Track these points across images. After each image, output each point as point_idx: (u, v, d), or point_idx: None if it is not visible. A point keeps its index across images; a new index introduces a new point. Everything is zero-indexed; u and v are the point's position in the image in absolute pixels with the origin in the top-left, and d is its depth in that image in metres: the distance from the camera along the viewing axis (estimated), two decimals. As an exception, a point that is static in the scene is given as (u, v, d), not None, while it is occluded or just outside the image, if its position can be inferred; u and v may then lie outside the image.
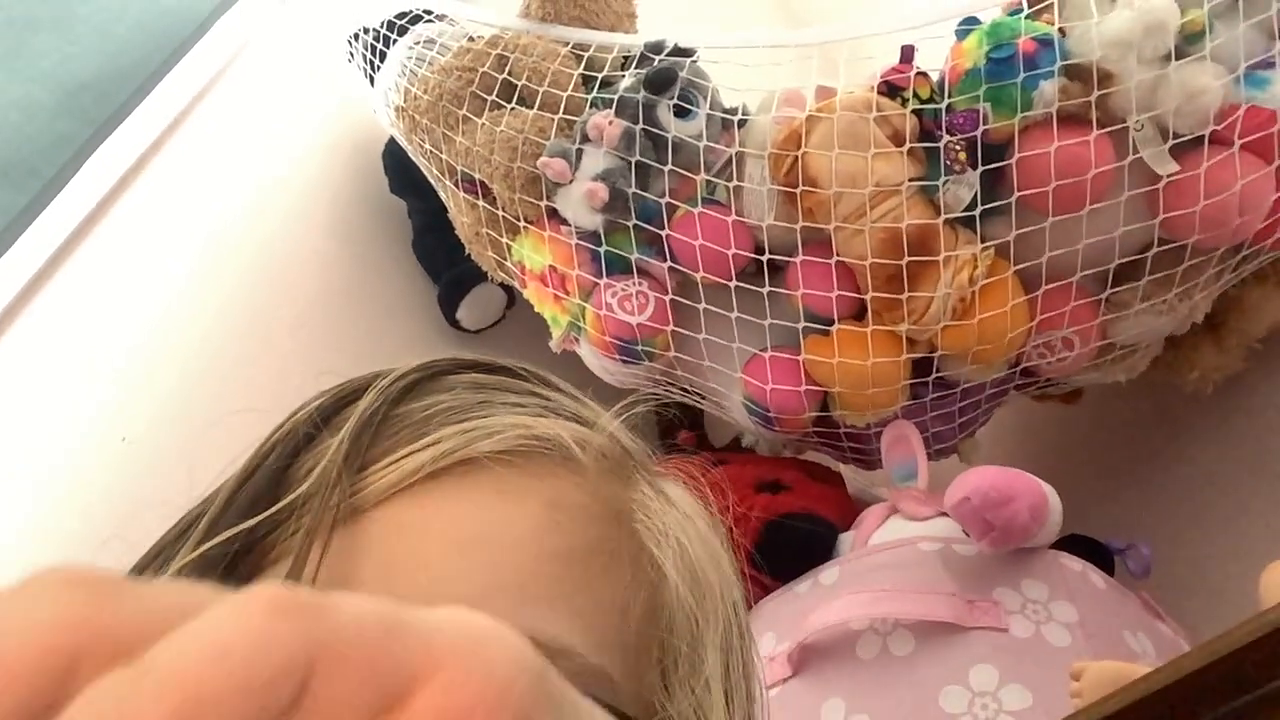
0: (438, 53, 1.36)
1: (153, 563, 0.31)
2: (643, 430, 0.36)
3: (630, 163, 1.17)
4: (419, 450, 0.30)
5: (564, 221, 1.25)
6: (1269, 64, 1.06)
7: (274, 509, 0.30)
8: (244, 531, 0.29)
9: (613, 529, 0.32)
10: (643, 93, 1.18)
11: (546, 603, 0.28)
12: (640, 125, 1.17)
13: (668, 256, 1.22)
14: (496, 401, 0.32)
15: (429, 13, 1.46)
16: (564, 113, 1.23)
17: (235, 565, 0.30)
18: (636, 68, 1.23)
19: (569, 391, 0.35)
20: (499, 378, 0.34)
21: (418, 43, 1.41)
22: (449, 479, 0.30)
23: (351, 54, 1.53)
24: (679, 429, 1.63)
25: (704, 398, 1.36)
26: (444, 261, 1.71)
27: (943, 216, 1.11)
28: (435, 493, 0.30)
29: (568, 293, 1.26)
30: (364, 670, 0.13)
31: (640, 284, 1.23)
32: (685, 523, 0.34)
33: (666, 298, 1.23)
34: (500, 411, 0.31)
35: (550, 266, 1.27)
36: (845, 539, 1.27)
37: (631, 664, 0.30)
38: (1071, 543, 1.17)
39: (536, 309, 1.36)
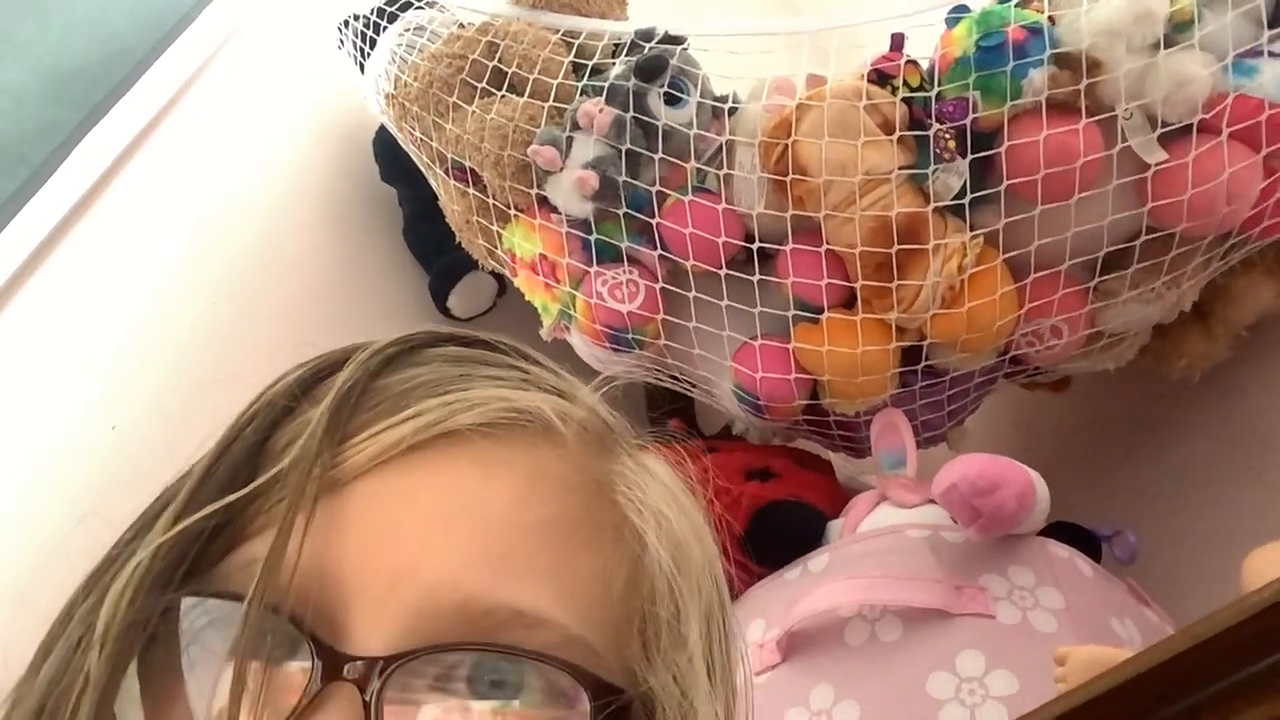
0: (428, 40, 1.36)
1: (131, 541, 0.31)
2: (623, 407, 0.36)
3: (620, 150, 1.17)
4: (399, 423, 0.30)
5: (554, 209, 1.25)
6: (1257, 52, 1.07)
7: (254, 484, 0.30)
8: (222, 507, 0.29)
9: (594, 500, 0.32)
10: (633, 80, 1.18)
11: (529, 574, 0.29)
12: (631, 113, 1.17)
13: (658, 244, 1.22)
14: (476, 375, 0.32)
15: (419, -1, 1.46)
16: (554, 100, 1.23)
17: (214, 539, 0.29)
18: (627, 55, 1.23)
19: (548, 365, 0.35)
20: (478, 350, 0.34)
21: (408, 29, 1.40)
22: (430, 451, 0.30)
23: (341, 41, 1.53)
24: (670, 415, 1.64)
25: (694, 386, 1.36)
26: (435, 249, 1.70)
27: (932, 205, 1.11)
28: (416, 465, 0.30)
29: (558, 281, 1.26)
30: None
31: (631, 272, 1.24)
32: (667, 495, 0.34)
33: (657, 286, 1.23)
34: (480, 384, 0.32)
35: (541, 254, 1.27)
36: (834, 526, 1.27)
37: (614, 635, 0.30)
38: (1058, 530, 1.18)
39: (527, 297, 1.36)
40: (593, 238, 1.23)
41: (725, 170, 1.19)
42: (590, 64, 1.25)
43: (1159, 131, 1.07)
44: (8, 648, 0.31)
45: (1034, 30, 1.06)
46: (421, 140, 1.35)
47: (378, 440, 0.29)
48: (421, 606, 0.27)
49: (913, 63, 1.12)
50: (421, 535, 0.28)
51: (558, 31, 1.29)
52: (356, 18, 1.48)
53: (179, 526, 0.29)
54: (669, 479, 0.35)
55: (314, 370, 0.33)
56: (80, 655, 0.28)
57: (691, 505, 0.35)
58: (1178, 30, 1.04)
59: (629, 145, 1.17)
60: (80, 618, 0.29)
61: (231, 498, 0.30)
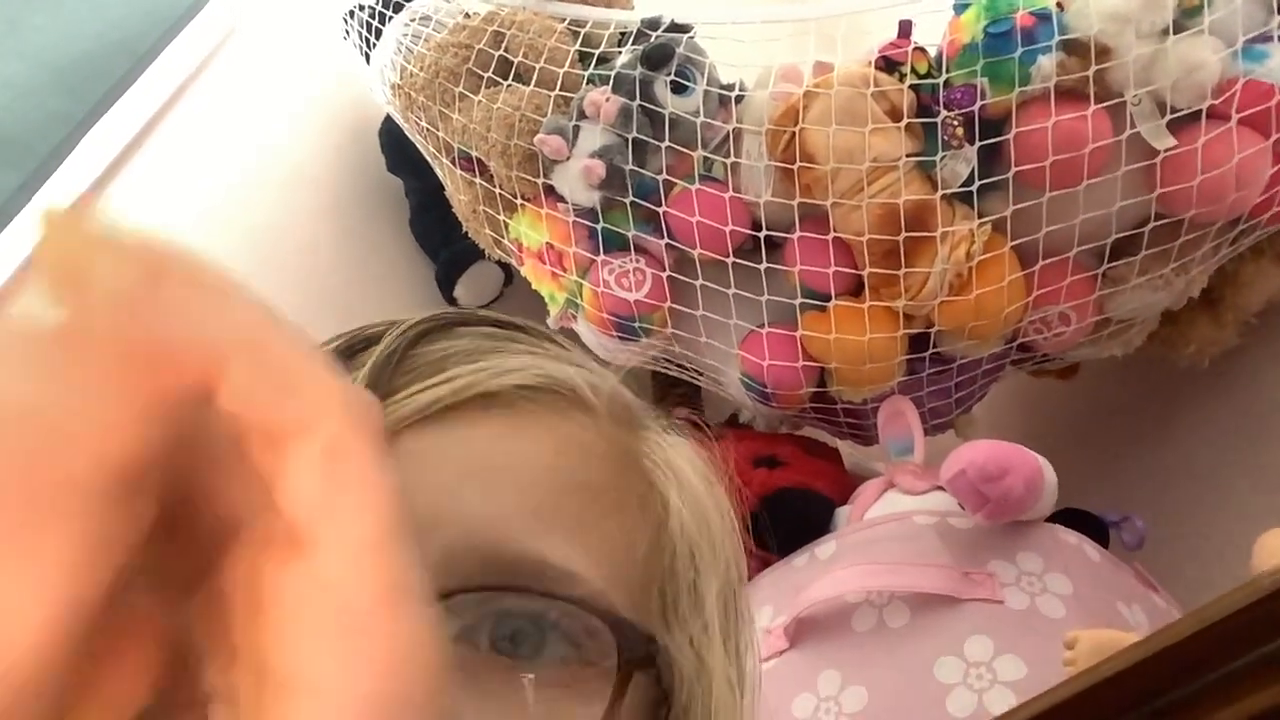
0: (434, 29, 1.36)
1: None
2: (640, 395, 0.37)
3: (627, 139, 1.17)
4: (436, 385, 0.30)
5: (561, 199, 1.25)
6: (1267, 38, 1.06)
7: None
8: None
9: (622, 468, 0.33)
10: (640, 69, 1.18)
11: (559, 531, 0.29)
12: (637, 102, 1.17)
13: (665, 233, 1.22)
14: (508, 348, 0.33)
15: (425, -11, 1.45)
16: (561, 89, 1.23)
17: None
18: (633, 44, 1.22)
19: (574, 349, 0.36)
20: (509, 330, 0.34)
21: (413, 19, 1.40)
22: (465, 412, 0.30)
23: (347, 31, 1.53)
24: (677, 404, 1.64)
25: (701, 374, 1.36)
26: (441, 239, 1.71)
27: (940, 192, 1.11)
28: (451, 424, 0.30)
29: (565, 270, 1.27)
30: (279, 384, 0.15)
31: (637, 261, 1.24)
32: (690, 467, 0.35)
33: (664, 274, 1.23)
34: (514, 355, 0.32)
35: (547, 244, 1.27)
36: (841, 513, 1.28)
37: (636, 599, 0.31)
38: (1066, 516, 1.18)
39: (534, 286, 1.37)
40: (599, 226, 1.23)
41: (732, 158, 1.19)
42: (596, 52, 1.25)
43: (1168, 117, 1.06)
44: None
45: (1042, 16, 1.06)
46: (428, 130, 1.35)
47: (414, 400, 0.30)
48: (450, 552, 0.27)
49: (920, 49, 1.12)
50: (453, 487, 0.29)
51: (564, 20, 1.29)
52: (362, 8, 1.48)
53: None
54: (692, 454, 0.36)
55: (349, 343, 0.33)
56: None
57: (714, 479, 0.36)
58: (1187, 16, 1.04)
59: (636, 134, 1.17)
60: None
61: None
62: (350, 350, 0.33)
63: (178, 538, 0.16)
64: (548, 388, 0.32)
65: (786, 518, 1.27)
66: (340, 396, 0.16)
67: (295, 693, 0.15)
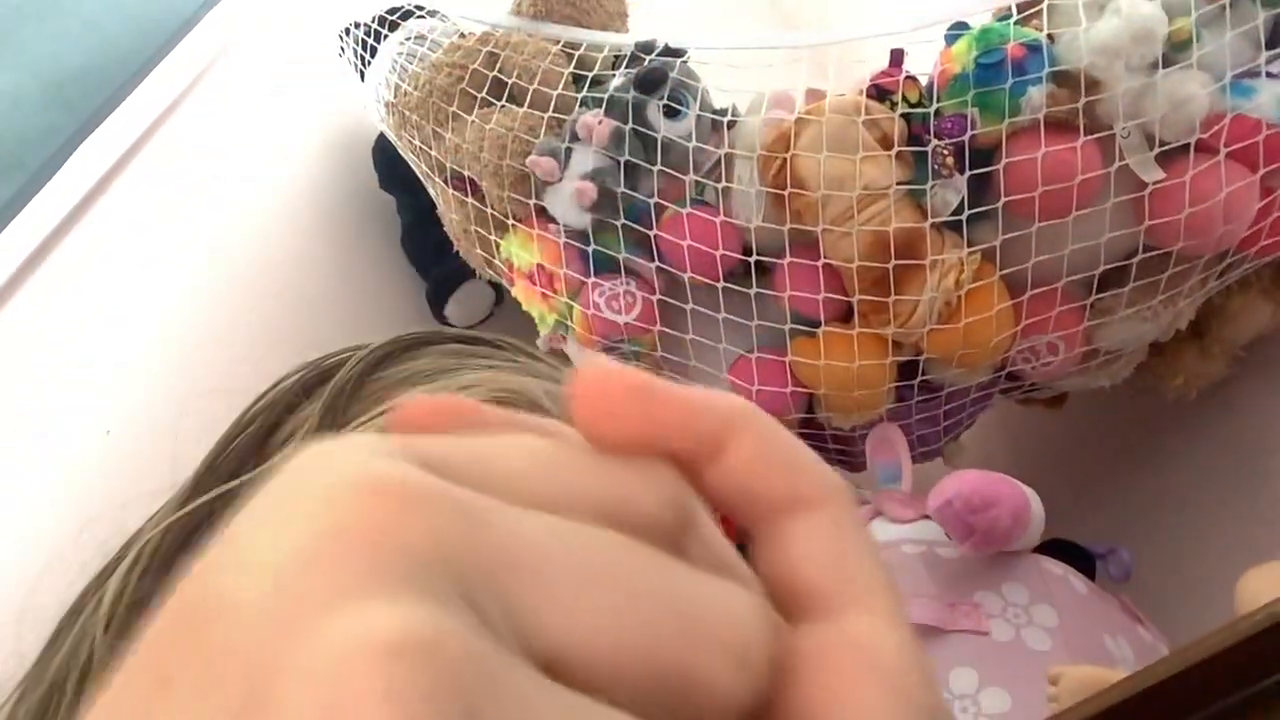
0: (428, 49, 1.36)
1: (139, 533, 0.31)
2: None
3: (619, 162, 1.17)
4: (391, 410, 0.30)
5: (552, 220, 1.25)
6: (1255, 73, 1.07)
7: (254, 472, 0.31)
8: (223, 494, 0.30)
9: None
10: (633, 92, 1.18)
11: None
12: (630, 125, 1.17)
13: (656, 256, 1.22)
14: (469, 365, 0.32)
15: (420, 8, 1.46)
16: (554, 111, 1.23)
17: (214, 526, 0.30)
18: (627, 67, 1.23)
19: (548, 360, 0.35)
20: (478, 347, 0.34)
21: (409, 38, 1.40)
22: None
23: (342, 49, 1.53)
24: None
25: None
26: (432, 258, 1.70)
27: (930, 220, 1.11)
28: None
29: (555, 291, 1.26)
30: (781, 462, 0.16)
31: (628, 283, 1.24)
32: None
33: (654, 298, 1.23)
34: (473, 371, 0.32)
35: (538, 265, 1.27)
36: (829, 540, 1.27)
37: None
38: (1053, 547, 1.18)
39: (524, 307, 1.36)
40: (590, 249, 1.23)
41: (724, 183, 1.19)
42: (590, 75, 1.26)
43: (1157, 150, 1.07)
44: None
45: (1033, 48, 1.07)
46: (421, 149, 1.35)
47: (372, 425, 0.30)
48: None
49: (912, 78, 1.13)
50: None
51: (558, 42, 1.29)
52: (357, 26, 1.49)
53: (184, 510, 0.30)
54: None
55: (316, 371, 0.33)
56: (87, 637, 0.29)
57: None
58: (1176, 50, 1.04)
59: (628, 157, 1.17)
60: (90, 609, 0.30)
61: (234, 483, 0.30)
62: (319, 378, 0.33)
63: None
64: (506, 401, 0.31)
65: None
66: (838, 479, 0.17)
67: None
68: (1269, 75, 1.07)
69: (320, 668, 0.11)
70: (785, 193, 1.13)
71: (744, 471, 0.16)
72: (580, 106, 1.23)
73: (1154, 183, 1.07)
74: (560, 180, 1.21)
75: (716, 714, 0.14)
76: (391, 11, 1.46)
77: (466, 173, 1.30)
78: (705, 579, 0.15)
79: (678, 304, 1.22)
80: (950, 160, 1.09)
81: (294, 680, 0.11)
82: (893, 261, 1.10)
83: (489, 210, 1.31)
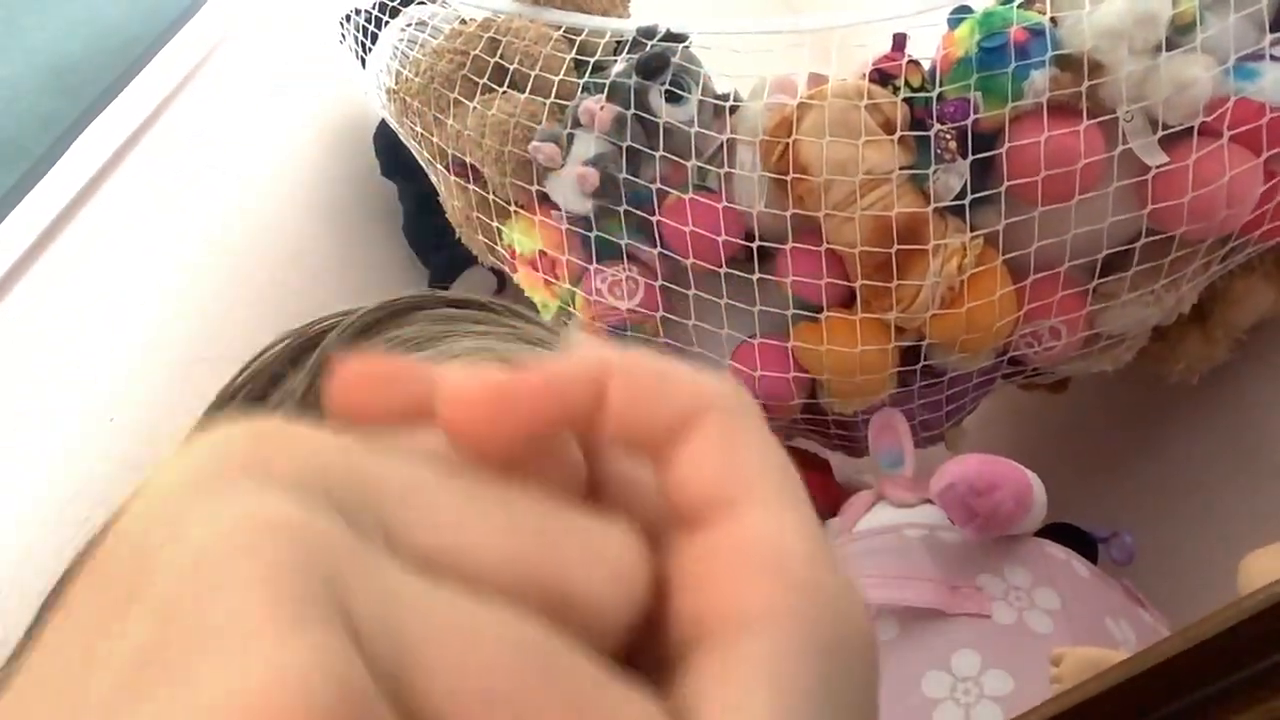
0: (429, 35, 1.36)
1: None
2: None
3: (621, 148, 1.17)
4: None
5: (555, 206, 1.25)
6: (1259, 56, 1.07)
7: None
8: None
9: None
10: (635, 78, 1.18)
11: None
12: (632, 110, 1.17)
13: (658, 242, 1.22)
14: (459, 331, 0.32)
15: (421, -6, 1.45)
16: (555, 97, 1.23)
17: None
18: (629, 53, 1.22)
19: (542, 324, 0.34)
20: (470, 311, 0.33)
21: (409, 25, 1.40)
22: None
23: (343, 35, 1.52)
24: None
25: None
26: (434, 245, 1.70)
27: (932, 205, 1.11)
28: None
29: (557, 277, 1.26)
30: (653, 392, 0.16)
31: (630, 269, 1.24)
32: None
33: (656, 284, 1.23)
34: (463, 338, 0.31)
35: (540, 251, 1.26)
36: (831, 525, 1.28)
37: None
38: (1056, 530, 1.18)
39: (526, 293, 1.36)
40: (593, 235, 1.23)
41: (726, 168, 1.19)
42: (592, 61, 1.25)
43: (1160, 134, 1.07)
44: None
45: (1036, 32, 1.06)
46: (422, 136, 1.34)
47: None
48: None
49: (914, 63, 1.12)
50: None
51: (560, 28, 1.29)
52: (358, 12, 1.48)
53: None
54: None
55: (302, 339, 0.32)
56: None
57: None
58: (1180, 33, 1.04)
59: (630, 143, 1.17)
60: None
61: None
62: (304, 346, 0.32)
63: None
64: None
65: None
66: (719, 384, 0.16)
67: (738, 629, 0.14)
68: (1273, 58, 1.06)
69: (192, 549, 0.12)
70: (788, 178, 1.13)
71: (622, 414, 0.16)
72: (582, 92, 1.23)
73: (1157, 166, 1.07)
74: (562, 166, 1.20)
75: (600, 627, 0.14)
76: (392, -2, 1.45)
77: (468, 159, 1.29)
78: (575, 509, 0.15)
79: (680, 290, 1.22)
80: (953, 145, 1.09)
81: (169, 565, 0.12)
82: (895, 246, 1.10)
83: (491, 197, 1.31)
